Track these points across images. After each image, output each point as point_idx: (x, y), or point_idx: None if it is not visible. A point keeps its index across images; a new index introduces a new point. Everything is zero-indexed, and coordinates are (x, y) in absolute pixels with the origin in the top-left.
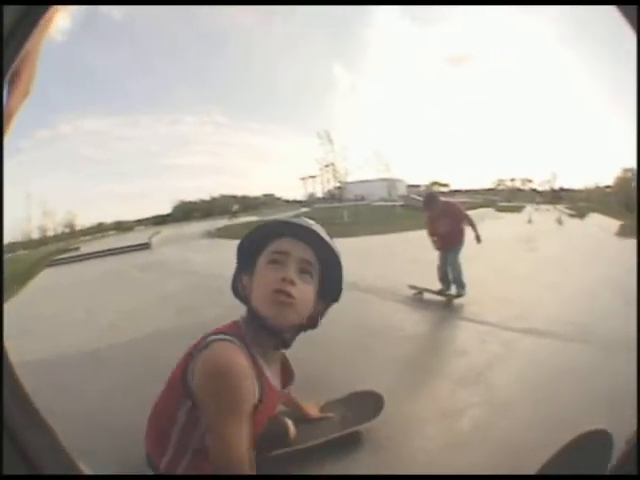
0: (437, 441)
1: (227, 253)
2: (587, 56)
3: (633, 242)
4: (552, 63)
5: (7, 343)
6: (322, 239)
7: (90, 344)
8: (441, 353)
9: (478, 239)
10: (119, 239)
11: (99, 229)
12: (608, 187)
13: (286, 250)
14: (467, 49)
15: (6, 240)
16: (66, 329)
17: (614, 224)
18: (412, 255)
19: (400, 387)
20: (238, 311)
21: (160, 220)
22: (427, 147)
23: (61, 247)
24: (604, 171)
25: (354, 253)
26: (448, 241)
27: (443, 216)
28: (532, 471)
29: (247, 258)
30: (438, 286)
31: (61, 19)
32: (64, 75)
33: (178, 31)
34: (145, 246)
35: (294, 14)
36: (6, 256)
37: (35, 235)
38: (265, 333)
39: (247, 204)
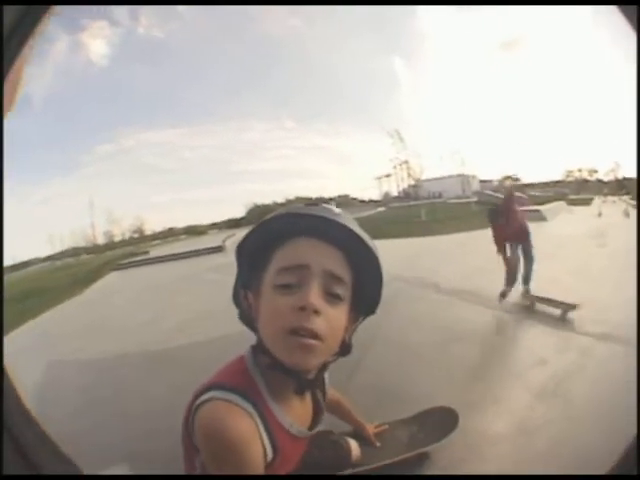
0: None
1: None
2: None
3: None
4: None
5: (72, 342)
6: (354, 235)
7: (154, 345)
8: (520, 361)
9: None
10: (191, 243)
11: (170, 233)
12: None
13: (304, 262)
14: (519, 32)
15: (67, 246)
16: (131, 330)
17: None
18: (490, 255)
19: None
20: None
21: (234, 223)
22: (496, 140)
23: (128, 251)
24: None
25: (436, 252)
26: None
27: (508, 212)
28: None
29: (248, 272)
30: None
31: (98, 45)
32: (116, 96)
33: (227, 39)
34: (218, 249)
35: (334, 15)
36: (67, 260)
37: (101, 241)
38: (281, 375)
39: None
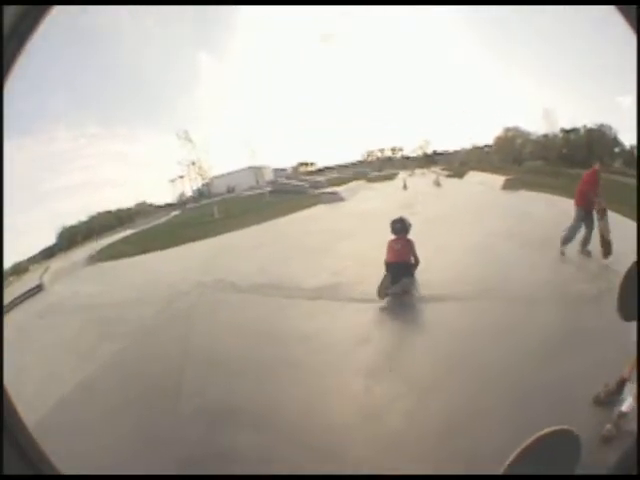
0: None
1: (110, 279)
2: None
3: (520, 193)
4: (419, 26)
5: None
6: None
7: None
8: (344, 343)
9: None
10: (19, 286)
11: None
12: (487, 146)
13: None
14: (333, 26)
15: None
16: None
17: (498, 179)
18: (286, 243)
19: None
20: (142, 338)
21: (49, 253)
22: (291, 128)
23: None
24: (481, 132)
25: (232, 250)
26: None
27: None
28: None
29: None
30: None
31: None
32: None
33: (53, 32)
34: (39, 288)
35: (145, 9)
36: None
37: None
38: None
39: (122, 217)
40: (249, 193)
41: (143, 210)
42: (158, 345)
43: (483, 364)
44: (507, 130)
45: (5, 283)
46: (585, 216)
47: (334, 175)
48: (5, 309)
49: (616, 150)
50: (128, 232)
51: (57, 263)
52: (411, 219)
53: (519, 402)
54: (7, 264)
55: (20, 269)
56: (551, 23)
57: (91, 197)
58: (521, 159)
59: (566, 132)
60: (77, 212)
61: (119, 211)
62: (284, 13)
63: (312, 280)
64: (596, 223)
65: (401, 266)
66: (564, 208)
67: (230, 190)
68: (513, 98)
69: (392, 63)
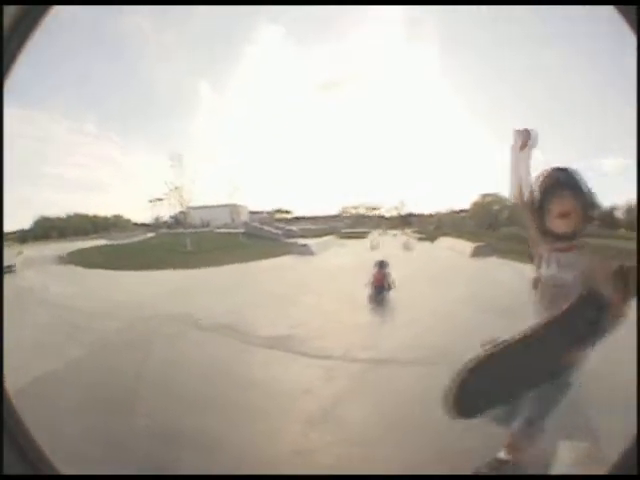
0: None
1: (82, 285)
2: (446, 83)
3: (490, 260)
4: (405, 88)
5: None
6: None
7: None
8: (288, 394)
9: None
10: None
11: None
12: (463, 211)
13: None
14: (335, 75)
15: None
16: None
17: (468, 245)
18: (254, 289)
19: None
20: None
21: (22, 236)
22: (274, 173)
23: None
24: (458, 197)
25: (201, 286)
26: None
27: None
28: None
29: None
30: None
31: None
32: None
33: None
34: (10, 269)
35: (187, 22)
36: None
37: None
38: None
39: (98, 224)
40: (223, 230)
41: (119, 223)
42: (118, 361)
43: (421, 426)
44: (485, 196)
45: None
46: None
47: (307, 226)
48: None
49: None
50: (102, 242)
51: (30, 251)
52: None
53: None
54: None
55: None
56: (533, 87)
57: (73, 195)
58: (497, 225)
59: None
60: (57, 205)
61: (96, 217)
62: (284, 57)
63: (272, 329)
64: None
65: (381, 287)
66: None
67: (205, 224)
68: (493, 164)
69: (378, 124)
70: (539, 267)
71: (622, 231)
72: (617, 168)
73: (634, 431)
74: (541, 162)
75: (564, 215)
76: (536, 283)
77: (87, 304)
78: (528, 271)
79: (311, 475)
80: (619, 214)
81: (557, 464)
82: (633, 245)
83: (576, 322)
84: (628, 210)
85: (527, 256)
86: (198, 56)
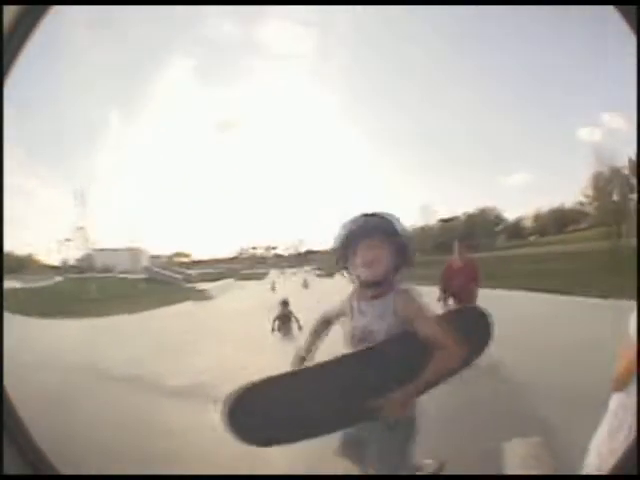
0: None
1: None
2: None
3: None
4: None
5: None
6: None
7: None
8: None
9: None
10: None
11: None
12: None
13: None
14: (235, 115)
15: None
16: None
17: None
18: (156, 338)
19: None
20: None
21: None
22: (172, 215)
23: None
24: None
25: (108, 335)
26: (460, 300)
27: (461, 271)
28: None
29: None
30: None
31: None
32: None
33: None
34: None
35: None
36: None
37: None
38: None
39: (10, 264)
40: (125, 276)
41: (30, 264)
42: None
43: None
44: None
45: None
46: None
47: (207, 270)
48: None
49: (497, 228)
50: (15, 284)
51: None
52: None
53: None
54: None
55: None
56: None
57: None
58: None
59: (444, 221)
60: None
61: (8, 256)
62: (193, 94)
63: (178, 378)
64: None
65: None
66: (432, 297)
67: (107, 269)
68: (390, 194)
69: (274, 163)
70: (351, 318)
71: (532, 238)
72: (521, 183)
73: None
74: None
75: (368, 264)
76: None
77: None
78: (430, 294)
79: (311, 475)
80: (527, 223)
81: (508, 462)
82: (544, 249)
83: (386, 360)
84: (536, 218)
85: (427, 279)
86: (110, 85)
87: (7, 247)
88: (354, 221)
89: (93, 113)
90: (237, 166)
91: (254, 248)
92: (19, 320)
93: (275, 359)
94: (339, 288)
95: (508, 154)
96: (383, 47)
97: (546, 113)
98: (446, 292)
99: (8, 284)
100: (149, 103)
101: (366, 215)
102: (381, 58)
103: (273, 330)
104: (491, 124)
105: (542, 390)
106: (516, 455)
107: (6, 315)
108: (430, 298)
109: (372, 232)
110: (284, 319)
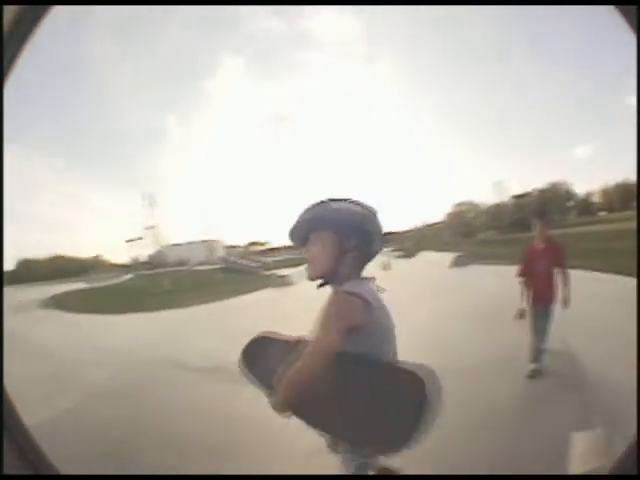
0: None
1: (66, 332)
2: (411, 94)
3: (469, 269)
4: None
5: None
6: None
7: None
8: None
9: (566, 302)
10: None
11: None
12: (438, 223)
13: None
14: (290, 109)
15: None
16: None
17: (447, 257)
18: (235, 327)
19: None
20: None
21: (7, 278)
22: (244, 205)
23: None
24: (432, 210)
25: (185, 327)
26: (539, 292)
27: (544, 254)
28: None
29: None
30: None
31: None
32: None
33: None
34: None
35: (150, 55)
36: None
37: None
38: None
39: (77, 266)
40: (201, 268)
41: (98, 264)
42: (110, 410)
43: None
44: (458, 205)
45: None
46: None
47: (285, 256)
48: None
49: (569, 204)
50: (82, 285)
51: (20, 293)
52: None
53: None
54: None
55: None
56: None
57: (52, 235)
58: (473, 232)
59: (517, 197)
60: (36, 244)
61: (74, 260)
62: (247, 91)
63: None
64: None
65: None
66: (512, 278)
67: (182, 262)
68: (463, 173)
69: (345, 145)
70: None
71: (602, 214)
72: (588, 155)
73: None
74: (510, 167)
75: (309, 260)
76: (522, 313)
77: (73, 353)
78: (508, 273)
79: (311, 475)
80: (595, 199)
81: (575, 456)
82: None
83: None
84: (604, 192)
85: (506, 258)
86: (164, 90)
87: (69, 252)
88: (301, 214)
89: (152, 117)
90: (303, 154)
91: None
92: (86, 318)
93: None
94: (417, 269)
95: (572, 127)
96: (442, 29)
97: (605, 87)
98: (525, 277)
99: (72, 286)
100: (205, 102)
101: (314, 205)
102: (441, 42)
103: None
104: (554, 99)
105: (610, 377)
106: (581, 447)
107: (71, 315)
108: (506, 278)
109: (315, 224)
110: None
